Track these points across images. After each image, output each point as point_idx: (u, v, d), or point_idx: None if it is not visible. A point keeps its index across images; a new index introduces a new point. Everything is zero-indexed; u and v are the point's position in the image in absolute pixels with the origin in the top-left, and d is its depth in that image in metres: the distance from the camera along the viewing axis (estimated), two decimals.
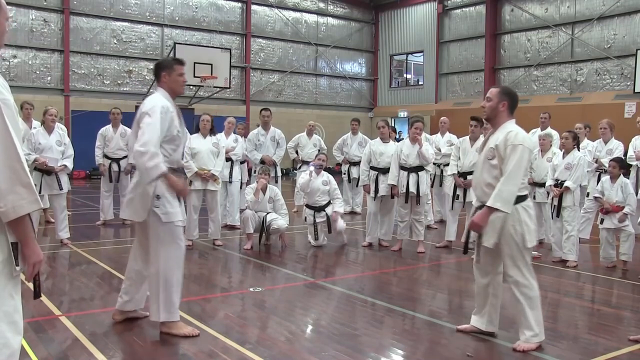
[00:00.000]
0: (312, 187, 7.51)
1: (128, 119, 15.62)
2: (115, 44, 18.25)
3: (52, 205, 7.42)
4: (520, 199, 3.81)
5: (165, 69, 3.98)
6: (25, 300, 2.19)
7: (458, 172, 7.39)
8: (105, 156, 8.86)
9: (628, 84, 16.58)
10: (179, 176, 3.97)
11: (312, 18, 22.52)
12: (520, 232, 3.80)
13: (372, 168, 7.55)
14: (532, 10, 19.04)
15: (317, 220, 7.46)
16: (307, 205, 7.60)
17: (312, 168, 7.76)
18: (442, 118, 9.88)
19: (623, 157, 7.53)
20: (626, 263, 6.37)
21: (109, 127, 8.96)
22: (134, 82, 18.62)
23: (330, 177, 7.70)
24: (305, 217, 7.62)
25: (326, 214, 7.47)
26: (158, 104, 3.80)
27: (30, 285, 2.19)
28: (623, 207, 6.34)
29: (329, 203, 7.54)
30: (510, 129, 3.86)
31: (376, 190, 7.43)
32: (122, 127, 8.91)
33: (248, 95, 20.85)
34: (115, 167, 8.84)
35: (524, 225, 3.81)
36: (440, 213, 9.52)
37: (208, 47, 18.15)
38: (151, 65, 18.66)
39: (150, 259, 3.93)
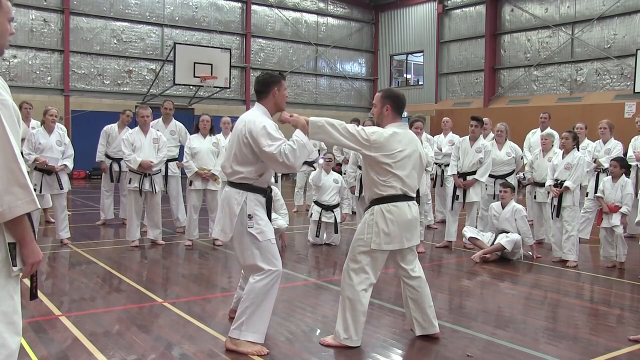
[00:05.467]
0: (323, 183, 7.56)
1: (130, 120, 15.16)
2: (115, 44, 18.24)
3: (53, 204, 7.43)
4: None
5: (277, 84, 3.83)
6: (25, 300, 2.18)
7: (458, 172, 7.38)
8: (107, 155, 8.82)
9: (628, 84, 16.57)
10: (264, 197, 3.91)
11: (312, 18, 22.51)
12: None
13: (359, 167, 7.56)
14: (532, 10, 19.03)
15: (324, 219, 7.50)
16: (316, 202, 7.65)
17: (321, 161, 7.80)
18: (444, 118, 9.88)
19: (623, 157, 7.53)
20: (621, 263, 6.39)
21: (114, 126, 8.86)
22: (134, 82, 18.60)
23: (340, 176, 7.81)
24: (312, 213, 7.64)
25: (334, 216, 7.53)
26: (264, 122, 3.71)
27: (28, 282, 2.19)
28: (621, 207, 6.34)
29: (338, 205, 7.62)
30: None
31: (360, 190, 7.40)
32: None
33: (248, 96, 20.83)
34: (116, 166, 8.80)
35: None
36: (442, 213, 9.52)
37: (208, 47, 18.13)
38: (151, 65, 18.69)
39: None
